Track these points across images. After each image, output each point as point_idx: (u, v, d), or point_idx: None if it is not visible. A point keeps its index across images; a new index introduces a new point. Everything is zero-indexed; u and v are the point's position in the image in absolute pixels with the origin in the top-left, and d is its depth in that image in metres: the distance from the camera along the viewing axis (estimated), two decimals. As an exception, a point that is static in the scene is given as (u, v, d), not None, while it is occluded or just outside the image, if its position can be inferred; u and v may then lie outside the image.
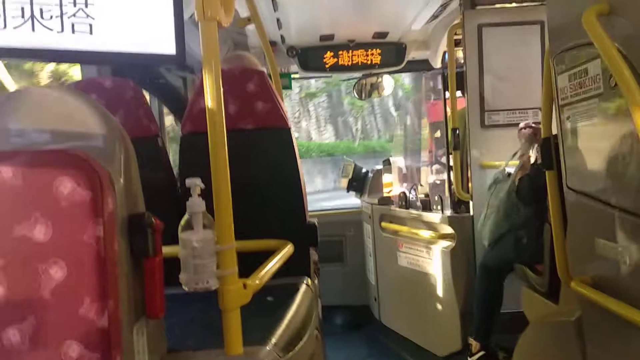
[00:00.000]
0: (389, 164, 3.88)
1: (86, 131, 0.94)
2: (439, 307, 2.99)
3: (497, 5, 2.74)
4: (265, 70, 2.02)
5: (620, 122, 1.31)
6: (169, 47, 1.17)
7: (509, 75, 2.72)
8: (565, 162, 1.64)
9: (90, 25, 1.12)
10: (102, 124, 0.95)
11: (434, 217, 3.00)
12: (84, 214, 0.84)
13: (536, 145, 2.31)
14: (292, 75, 3.97)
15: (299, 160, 1.93)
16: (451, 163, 2.87)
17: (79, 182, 0.84)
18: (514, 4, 2.73)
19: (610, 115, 1.38)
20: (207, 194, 1.08)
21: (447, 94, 2.92)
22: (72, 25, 1.11)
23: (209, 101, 1.08)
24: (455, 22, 2.82)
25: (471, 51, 2.70)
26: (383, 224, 3.49)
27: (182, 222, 1.06)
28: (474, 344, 2.63)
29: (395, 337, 3.51)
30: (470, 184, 2.83)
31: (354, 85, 4.05)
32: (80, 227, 0.83)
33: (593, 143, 1.51)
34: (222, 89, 1.83)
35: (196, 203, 1.06)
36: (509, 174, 2.45)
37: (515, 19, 2.69)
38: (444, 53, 3.37)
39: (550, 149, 1.75)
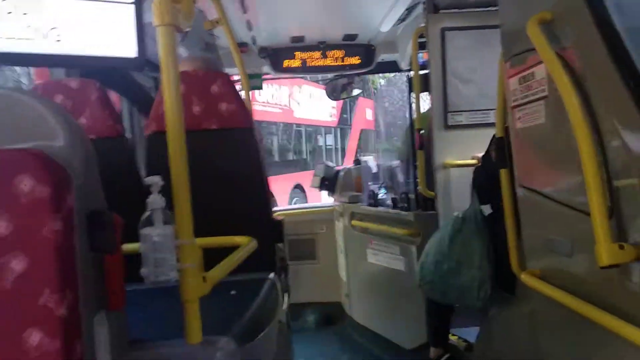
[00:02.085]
0: (359, 163, 3.95)
1: (46, 131, 0.98)
2: (406, 302, 3.07)
3: (460, 10, 2.82)
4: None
5: (563, 123, 1.39)
6: (130, 50, 1.22)
7: (472, 77, 2.79)
8: (516, 160, 1.72)
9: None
10: (61, 124, 0.99)
11: (400, 214, 3.08)
12: (43, 209, 0.88)
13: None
14: (265, 76, 4.01)
15: (263, 159, 1.98)
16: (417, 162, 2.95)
17: (39, 179, 0.88)
18: (476, 9, 2.81)
19: (555, 116, 1.46)
20: (169, 192, 1.13)
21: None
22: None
23: (168, 102, 1.12)
24: (421, 25, 2.89)
25: (435, 54, 2.77)
26: (353, 221, 3.56)
27: (142, 218, 1.11)
28: (435, 351, 2.66)
29: (365, 332, 3.59)
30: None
31: (327, 86, 4.12)
32: (39, 222, 0.88)
33: (540, 143, 1.57)
34: (184, 90, 1.88)
35: (156, 200, 1.11)
36: (463, 219, 2.20)
37: (478, 23, 2.77)
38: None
39: (504, 148, 1.82)
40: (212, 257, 1.40)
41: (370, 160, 3.95)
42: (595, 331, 1.24)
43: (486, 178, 2.19)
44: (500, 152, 1.85)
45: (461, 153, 2.76)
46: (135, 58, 1.21)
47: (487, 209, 2.19)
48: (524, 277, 1.64)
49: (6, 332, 0.86)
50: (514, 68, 1.64)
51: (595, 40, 1.19)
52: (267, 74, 3.89)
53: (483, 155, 2.32)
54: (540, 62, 1.45)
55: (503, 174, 1.82)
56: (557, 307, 1.42)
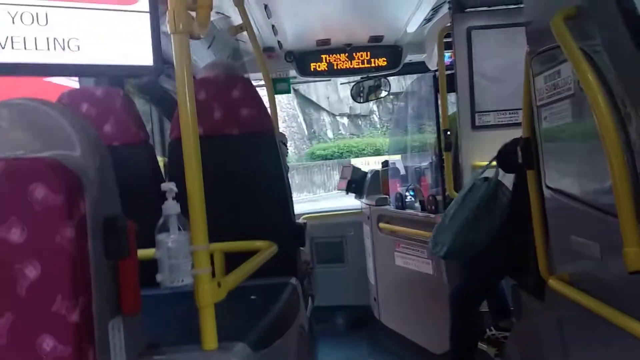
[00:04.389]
0: (388, 165, 3.91)
1: (62, 141, 1.00)
2: (435, 305, 3.01)
3: (486, 8, 2.76)
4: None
5: (590, 123, 1.34)
6: (146, 59, 1.24)
7: (499, 77, 2.73)
8: (543, 161, 1.67)
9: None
10: (78, 133, 1.01)
11: (428, 217, 3.03)
12: (57, 217, 0.90)
13: None
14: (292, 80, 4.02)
15: (284, 163, 1.98)
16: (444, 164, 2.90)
17: (52, 187, 0.90)
18: (502, 7, 2.75)
19: (581, 115, 1.41)
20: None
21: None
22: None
23: (182, 109, 1.13)
24: (446, 24, 2.85)
25: (461, 53, 2.73)
26: (381, 224, 3.53)
27: (158, 224, 1.12)
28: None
29: (394, 336, 3.55)
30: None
31: (352, 89, 4.09)
32: (53, 230, 0.89)
33: (568, 142, 1.53)
34: (205, 96, 1.90)
35: (171, 206, 1.12)
36: (486, 179, 2.27)
37: (504, 21, 2.71)
38: (440, 55, 3.39)
39: (531, 148, 1.78)
40: (235, 262, 1.40)
41: (399, 162, 3.90)
42: (626, 341, 1.19)
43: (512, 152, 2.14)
44: (526, 153, 1.80)
45: (489, 154, 2.70)
46: (151, 66, 1.22)
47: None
48: (552, 282, 1.58)
49: (20, 338, 0.88)
50: (539, 66, 1.60)
51: (622, 36, 1.14)
52: (295, 77, 3.90)
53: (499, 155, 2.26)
54: (565, 60, 1.41)
55: (530, 175, 1.77)
56: (586, 314, 1.37)
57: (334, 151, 15.01)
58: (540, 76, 1.60)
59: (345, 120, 18.65)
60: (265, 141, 1.94)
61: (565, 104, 1.46)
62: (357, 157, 15.32)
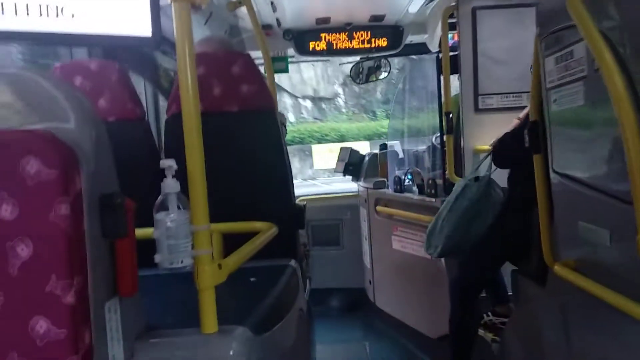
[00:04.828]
0: (386, 148, 3.87)
1: (56, 112, 0.94)
2: (432, 289, 3.00)
3: None
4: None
5: (604, 106, 1.30)
6: (145, 29, 1.17)
7: (504, 59, 2.68)
8: (551, 145, 1.63)
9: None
10: (73, 105, 0.96)
11: (427, 201, 3.00)
12: (51, 193, 0.84)
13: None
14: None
15: (284, 143, 1.93)
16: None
17: (46, 161, 0.85)
18: None
19: (595, 98, 1.37)
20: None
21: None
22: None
23: (183, 83, 1.08)
24: (451, 4, 2.78)
25: (465, 34, 2.67)
26: (378, 207, 3.50)
27: (157, 203, 1.07)
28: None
29: (389, 319, 3.54)
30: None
31: (351, 69, 4.03)
32: (46, 206, 0.84)
33: (578, 126, 1.50)
34: (204, 71, 1.84)
35: (170, 184, 1.07)
36: (477, 178, 2.28)
37: (510, 1, 2.65)
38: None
39: (539, 132, 1.74)
40: (233, 243, 1.36)
41: (397, 145, 3.86)
42: (634, 327, 1.17)
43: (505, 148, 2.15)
44: (534, 137, 1.76)
45: (492, 138, 2.66)
46: (150, 37, 1.16)
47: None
48: (558, 269, 1.56)
49: (12, 320, 0.84)
50: (550, 47, 1.55)
51: None
52: (292, 56, 3.83)
53: (500, 138, 2.23)
54: (579, 40, 1.37)
55: (537, 159, 1.74)
56: (592, 300, 1.35)
57: (295, 136, 14.39)
58: (550, 57, 1.56)
59: (308, 103, 18.08)
60: (266, 119, 1.88)
61: (578, 86, 1.42)
62: (319, 142, 14.74)
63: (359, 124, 15.15)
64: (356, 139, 13.10)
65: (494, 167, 2.28)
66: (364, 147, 6.89)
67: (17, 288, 0.84)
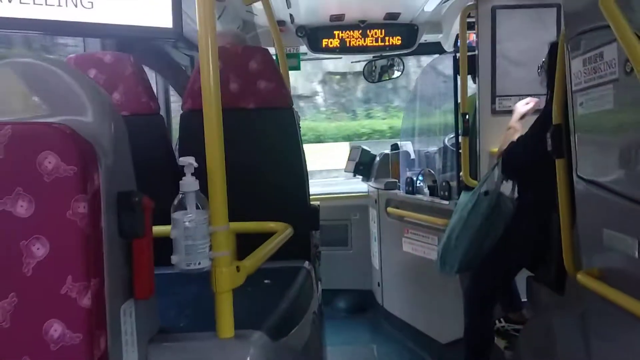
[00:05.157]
0: (397, 148, 3.82)
1: (74, 105, 0.90)
2: (442, 294, 2.96)
3: None
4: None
5: (637, 110, 1.25)
6: (165, 21, 1.14)
7: (523, 60, 2.63)
8: (576, 149, 1.58)
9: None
10: (91, 98, 0.92)
11: (440, 203, 2.96)
12: (68, 190, 0.81)
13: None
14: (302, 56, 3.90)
15: (301, 142, 1.88)
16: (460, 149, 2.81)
17: (64, 157, 0.81)
18: None
19: (626, 102, 1.32)
20: (204, 173, 1.05)
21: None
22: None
23: (205, 77, 1.04)
24: (469, 3, 2.73)
25: (484, 34, 2.62)
26: (389, 209, 3.45)
27: (175, 201, 1.03)
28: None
29: (397, 322, 3.50)
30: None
31: (364, 68, 3.98)
32: (63, 204, 0.80)
33: (606, 131, 1.45)
34: (221, 66, 1.79)
35: (189, 182, 1.03)
36: (486, 192, 2.26)
37: (531, 2, 2.60)
38: (457, 36, 3.28)
39: (561, 136, 1.69)
40: (245, 242, 1.32)
41: (409, 146, 3.80)
42: None
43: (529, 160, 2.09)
44: (557, 141, 1.71)
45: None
46: (171, 29, 1.12)
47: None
48: (580, 277, 1.51)
49: (25, 322, 0.80)
50: (577, 48, 1.50)
51: None
52: (305, 53, 3.78)
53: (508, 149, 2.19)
54: (610, 42, 1.32)
55: (559, 164, 1.69)
56: (616, 311, 1.30)
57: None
58: (578, 59, 1.51)
59: (286, 101, 17.73)
60: (284, 117, 1.84)
61: (607, 89, 1.37)
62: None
63: (338, 123, 14.85)
64: (335, 140, 12.73)
65: (503, 177, 2.25)
66: (342, 149, 6.76)
67: (32, 289, 0.81)
